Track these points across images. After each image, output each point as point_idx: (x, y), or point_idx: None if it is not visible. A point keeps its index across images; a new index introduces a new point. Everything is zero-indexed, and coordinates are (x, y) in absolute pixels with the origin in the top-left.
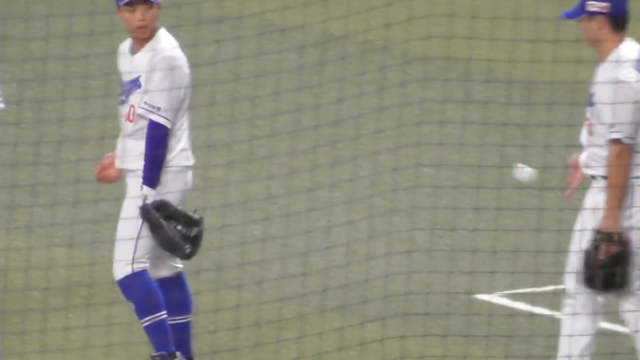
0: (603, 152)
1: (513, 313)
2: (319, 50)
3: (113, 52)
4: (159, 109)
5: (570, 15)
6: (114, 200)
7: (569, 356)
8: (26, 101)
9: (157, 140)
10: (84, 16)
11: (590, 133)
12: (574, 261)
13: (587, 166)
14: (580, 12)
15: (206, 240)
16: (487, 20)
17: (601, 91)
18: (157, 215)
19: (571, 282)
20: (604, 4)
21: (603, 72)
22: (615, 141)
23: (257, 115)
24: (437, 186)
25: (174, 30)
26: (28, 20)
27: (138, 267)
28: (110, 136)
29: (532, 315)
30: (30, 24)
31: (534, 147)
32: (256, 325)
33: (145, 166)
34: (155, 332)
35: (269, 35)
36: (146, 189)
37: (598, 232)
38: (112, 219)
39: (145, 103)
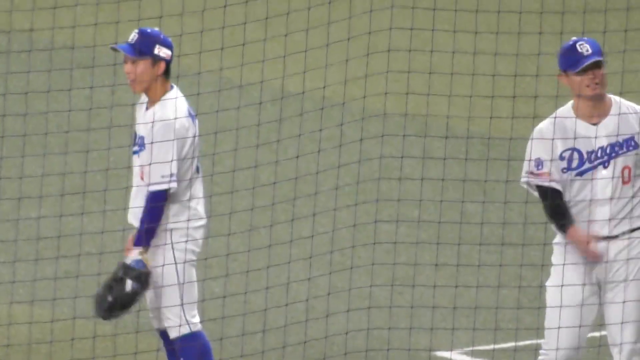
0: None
1: None
2: (277, 106)
3: (71, 109)
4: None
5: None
6: (74, 257)
7: None
8: None
9: (157, 208)
10: (42, 72)
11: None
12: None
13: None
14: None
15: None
16: (445, 76)
17: None
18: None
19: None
20: None
21: None
22: None
23: (215, 172)
24: (396, 242)
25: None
26: None
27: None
28: (69, 192)
29: None
30: None
31: (493, 204)
32: None
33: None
34: None
35: (226, 92)
36: (142, 250)
37: None
38: (72, 275)
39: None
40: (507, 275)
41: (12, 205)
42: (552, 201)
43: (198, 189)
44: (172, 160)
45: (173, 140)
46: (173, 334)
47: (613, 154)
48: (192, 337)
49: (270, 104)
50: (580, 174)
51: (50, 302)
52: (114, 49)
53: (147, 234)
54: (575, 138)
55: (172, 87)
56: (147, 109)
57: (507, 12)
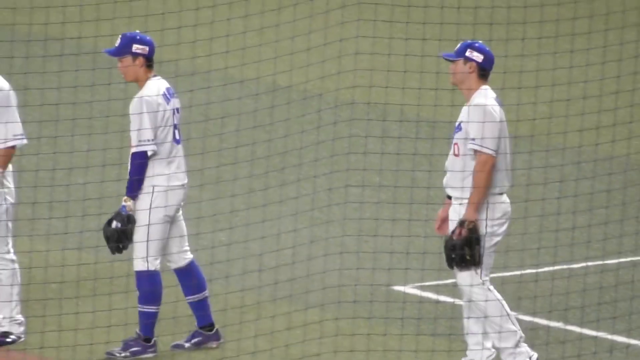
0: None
1: (422, 300)
2: (270, 97)
3: (111, 99)
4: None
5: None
6: (112, 214)
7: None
8: (44, 137)
9: (138, 165)
10: (88, 70)
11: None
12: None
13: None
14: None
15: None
16: (400, 74)
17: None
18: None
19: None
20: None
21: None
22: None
23: (222, 148)
24: (362, 202)
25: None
26: (44, 74)
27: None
28: (109, 164)
29: (437, 302)
30: (46, 77)
31: (437, 172)
32: (223, 310)
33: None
34: (146, 318)
35: (230, 86)
36: (130, 201)
37: (460, 220)
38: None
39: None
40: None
41: (64, 174)
42: None
43: (177, 155)
44: (146, 129)
45: (143, 113)
46: (135, 267)
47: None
48: (148, 275)
49: (265, 95)
50: None
51: (94, 249)
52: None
53: (131, 186)
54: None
55: (154, 76)
56: None
57: (448, 23)
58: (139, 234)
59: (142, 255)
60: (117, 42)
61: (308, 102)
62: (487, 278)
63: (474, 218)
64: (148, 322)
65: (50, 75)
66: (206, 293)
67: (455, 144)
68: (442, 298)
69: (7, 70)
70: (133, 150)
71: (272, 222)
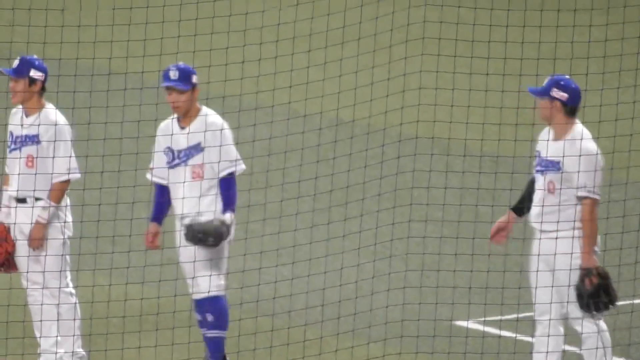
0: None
1: (484, 335)
2: (333, 131)
3: (173, 133)
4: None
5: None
6: (175, 248)
7: None
8: (107, 172)
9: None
10: (151, 105)
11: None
12: (540, 294)
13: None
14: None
15: (246, 279)
16: (463, 108)
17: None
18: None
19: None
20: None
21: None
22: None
23: (285, 182)
24: (425, 237)
25: (221, 116)
26: (107, 108)
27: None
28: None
29: (499, 337)
30: (109, 111)
31: (500, 207)
32: (285, 345)
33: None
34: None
35: (293, 120)
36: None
37: (582, 269)
38: (173, 262)
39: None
40: (511, 262)
41: (126, 208)
42: None
43: None
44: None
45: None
46: (209, 294)
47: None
48: (220, 300)
49: (327, 129)
50: None
51: (157, 283)
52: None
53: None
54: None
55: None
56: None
57: (511, 58)
58: (213, 261)
59: (217, 282)
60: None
61: (371, 136)
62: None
63: (594, 264)
64: (220, 349)
65: (113, 109)
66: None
67: (550, 181)
68: (505, 333)
69: (71, 104)
70: (227, 173)
71: (334, 256)
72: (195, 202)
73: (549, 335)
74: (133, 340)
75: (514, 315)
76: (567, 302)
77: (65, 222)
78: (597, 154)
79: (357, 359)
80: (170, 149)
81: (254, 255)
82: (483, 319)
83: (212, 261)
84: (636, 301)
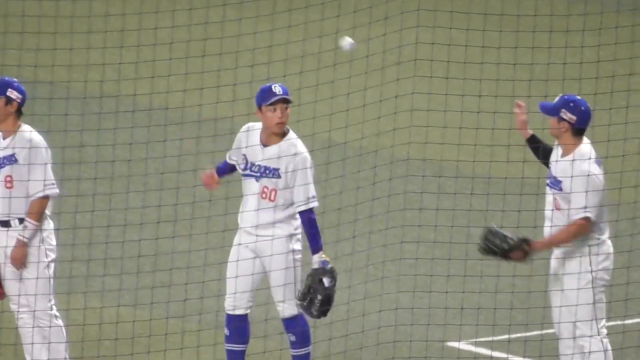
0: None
1: (476, 356)
2: (325, 153)
3: (166, 156)
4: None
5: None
6: (167, 271)
7: None
8: (99, 194)
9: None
10: (143, 127)
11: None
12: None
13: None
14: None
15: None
16: (455, 130)
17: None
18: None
19: (564, 331)
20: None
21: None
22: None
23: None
24: (417, 258)
25: (213, 138)
26: (99, 131)
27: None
28: (163, 220)
29: (491, 358)
30: (102, 134)
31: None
32: None
33: (318, 240)
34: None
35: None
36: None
37: (525, 242)
38: (165, 285)
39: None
40: (503, 283)
41: (118, 231)
42: None
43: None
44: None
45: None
46: (290, 312)
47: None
48: (300, 317)
49: (320, 151)
50: None
51: (149, 306)
52: None
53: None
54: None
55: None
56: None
57: (503, 80)
58: (287, 277)
59: (291, 297)
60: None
61: (363, 158)
62: (604, 326)
63: (538, 248)
64: None
65: (105, 132)
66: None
67: (555, 199)
68: (496, 354)
69: (63, 127)
70: (306, 208)
71: None
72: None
73: (573, 353)
74: None
75: (506, 336)
76: (576, 321)
77: (49, 245)
78: (593, 174)
79: None
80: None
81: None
82: (475, 339)
83: (288, 279)
84: (627, 322)
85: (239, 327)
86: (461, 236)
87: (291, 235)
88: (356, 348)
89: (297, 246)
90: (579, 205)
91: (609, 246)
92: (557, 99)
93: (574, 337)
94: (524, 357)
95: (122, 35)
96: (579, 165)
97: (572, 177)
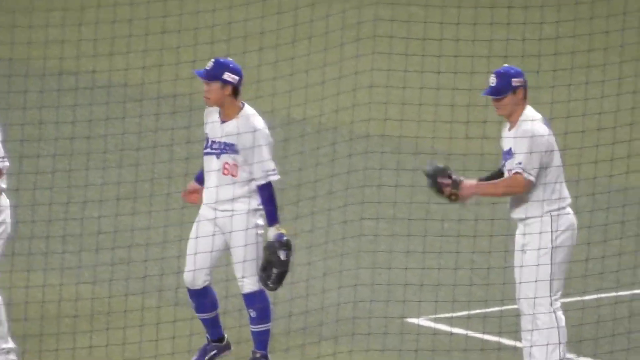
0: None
1: (436, 332)
2: (285, 130)
3: (125, 132)
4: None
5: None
6: (127, 247)
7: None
8: (58, 171)
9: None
10: (102, 104)
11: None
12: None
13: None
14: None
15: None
16: (415, 106)
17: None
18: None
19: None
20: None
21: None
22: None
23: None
24: (376, 235)
25: (172, 115)
26: (59, 108)
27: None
28: (123, 198)
29: (450, 334)
30: (61, 111)
31: (452, 205)
32: (237, 343)
33: (275, 212)
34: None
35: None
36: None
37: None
38: (125, 262)
39: (264, 172)
40: (462, 260)
41: (78, 207)
42: None
43: None
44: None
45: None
46: (248, 288)
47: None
48: (260, 293)
49: (279, 128)
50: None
51: (108, 283)
52: None
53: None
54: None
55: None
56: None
57: (462, 56)
58: (249, 253)
59: (251, 274)
60: (209, 65)
61: (322, 135)
62: (558, 299)
63: (467, 193)
64: (266, 339)
65: (64, 109)
66: (218, 310)
67: (509, 170)
68: (456, 330)
69: (22, 104)
70: (265, 182)
71: None
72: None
73: (532, 329)
74: (84, 339)
75: (465, 312)
76: (535, 297)
77: (4, 221)
78: (536, 135)
79: (309, 356)
80: None
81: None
82: (434, 316)
83: (247, 255)
84: (586, 297)
85: (200, 299)
86: (420, 212)
87: (254, 211)
88: (316, 324)
89: (260, 222)
90: (515, 161)
91: (570, 218)
92: (495, 78)
93: (533, 314)
94: (483, 333)
95: (81, 12)
96: (522, 125)
97: (515, 137)
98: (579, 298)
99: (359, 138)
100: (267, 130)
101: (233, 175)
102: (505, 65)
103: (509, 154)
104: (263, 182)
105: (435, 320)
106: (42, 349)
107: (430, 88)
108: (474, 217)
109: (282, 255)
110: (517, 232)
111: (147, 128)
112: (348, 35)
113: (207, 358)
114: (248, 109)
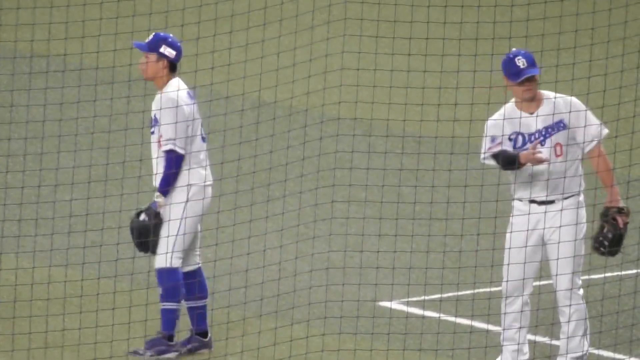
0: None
1: (408, 316)
2: (255, 113)
3: (96, 115)
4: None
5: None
6: (99, 230)
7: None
8: (29, 154)
9: (172, 163)
10: (73, 87)
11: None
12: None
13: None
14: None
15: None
16: (385, 89)
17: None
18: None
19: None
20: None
21: None
22: None
23: (208, 164)
24: (348, 217)
25: (143, 98)
26: (30, 91)
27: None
28: (95, 181)
29: (423, 317)
30: (32, 94)
31: (424, 187)
32: (209, 326)
33: (161, 181)
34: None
35: (216, 102)
36: (162, 198)
37: (609, 208)
38: (97, 245)
39: (161, 137)
40: (434, 243)
41: (49, 190)
42: (503, 155)
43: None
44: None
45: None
46: (157, 264)
47: (547, 134)
48: (169, 271)
49: (250, 111)
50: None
51: (80, 266)
52: None
53: (166, 182)
54: (520, 125)
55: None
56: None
57: (433, 38)
58: (166, 229)
59: (164, 251)
60: (149, 38)
61: (293, 117)
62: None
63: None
64: (170, 319)
65: (35, 92)
66: (206, 301)
67: (558, 144)
68: (428, 313)
69: None
70: (165, 149)
71: (257, 238)
72: None
73: (522, 311)
74: (57, 322)
75: (438, 296)
76: (557, 274)
77: None
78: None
79: (281, 340)
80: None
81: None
82: (407, 299)
83: (165, 230)
84: (592, 276)
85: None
86: (392, 195)
87: (179, 188)
88: (288, 308)
89: (183, 197)
90: (594, 137)
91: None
92: (524, 61)
93: (571, 289)
94: (455, 316)
95: None
96: (569, 100)
97: (570, 112)
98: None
99: (330, 121)
100: (177, 102)
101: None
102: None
103: (559, 125)
104: (163, 148)
105: (408, 303)
106: (14, 332)
107: (401, 70)
108: (446, 200)
109: (142, 216)
110: (539, 210)
111: (118, 111)
112: (319, 17)
113: (188, 347)
114: (174, 83)
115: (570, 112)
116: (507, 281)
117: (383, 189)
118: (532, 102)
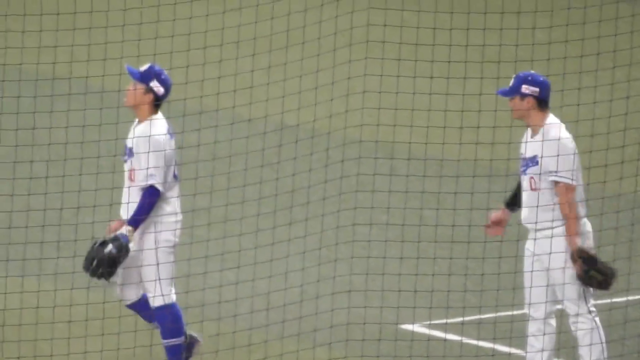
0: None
1: (430, 339)
2: (277, 135)
3: (118, 138)
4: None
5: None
6: None
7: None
8: (51, 177)
9: (150, 196)
10: (96, 109)
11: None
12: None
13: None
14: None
15: (191, 284)
16: (407, 112)
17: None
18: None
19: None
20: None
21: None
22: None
23: (230, 187)
24: (369, 240)
25: (166, 120)
26: (52, 113)
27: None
28: (117, 203)
29: (445, 340)
30: (54, 116)
31: (445, 210)
32: (231, 349)
33: (135, 212)
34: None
35: (238, 125)
36: (132, 230)
37: (571, 252)
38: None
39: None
40: (456, 266)
41: (72, 213)
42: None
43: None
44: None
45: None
46: (154, 304)
47: (529, 164)
48: (166, 308)
49: (273, 133)
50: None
51: (102, 288)
52: None
53: (139, 218)
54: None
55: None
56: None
57: (455, 61)
58: (151, 271)
59: (159, 292)
60: (144, 67)
61: (316, 140)
62: (593, 304)
63: (577, 246)
64: (177, 355)
65: (57, 114)
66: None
67: (531, 177)
68: (450, 336)
69: (15, 109)
70: (145, 184)
71: (279, 260)
72: None
73: (544, 334)
74: (79, 345)
75: (460, 319)
76: (563, 299)
77: None
78: (563, 138)
79: None
80: None
81: (199, 260)
82: (428, 322)
83: (151, 273)
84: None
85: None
86: (414, 218)
87: (155, 222)
88: (310, 330)
89: (165, 236)
90: (555, 170)
91: (588, 225)
92: (512, 79)
93: (577, 314)
94: (477, 339)
95: (74, 18)
96: (547, 132)
97: (543, 141)
98: (607, 300)
99: (352, 143)
100: (163, 146)
101: (131, 180)
102: (532, 71)
103: (532, 160)
104: (143, 184)
105: (430, 326)
106: (36, 355)
107: (423, 93)
108: (468, 223)
109: (109, 247)
110: (538, 240)
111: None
112: (340, 40)
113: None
114: (160, 124)
115: (542, 149)
116: (529, 304)
117: (405, 211)
118: (530, 126)
